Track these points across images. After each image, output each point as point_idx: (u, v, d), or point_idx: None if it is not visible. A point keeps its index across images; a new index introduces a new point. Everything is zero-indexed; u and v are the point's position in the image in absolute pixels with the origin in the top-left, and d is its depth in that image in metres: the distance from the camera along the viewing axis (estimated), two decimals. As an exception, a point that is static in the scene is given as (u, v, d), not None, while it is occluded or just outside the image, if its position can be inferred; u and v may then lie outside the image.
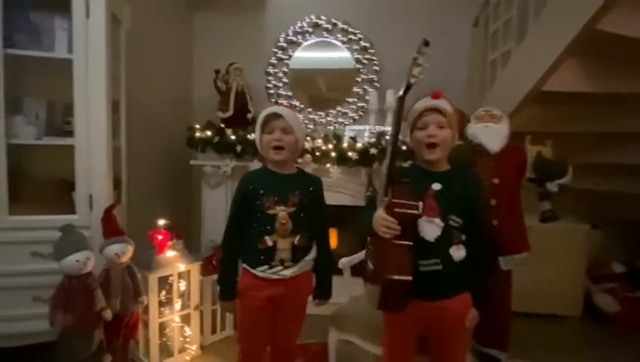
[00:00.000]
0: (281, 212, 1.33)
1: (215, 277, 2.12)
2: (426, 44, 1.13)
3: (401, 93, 1.17)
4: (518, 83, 2.21)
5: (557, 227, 2.36)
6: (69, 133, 1.89)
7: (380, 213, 1.15)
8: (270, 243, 1.33)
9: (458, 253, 1.20)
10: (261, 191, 1.34)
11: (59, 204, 1.89)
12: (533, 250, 1.92)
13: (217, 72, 2.87)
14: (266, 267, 1.34)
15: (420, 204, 1.15)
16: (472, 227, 1.22)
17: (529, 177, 1.91)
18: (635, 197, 2.54)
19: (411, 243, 1.14)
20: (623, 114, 2.26)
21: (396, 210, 1.12)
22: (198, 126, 2.78)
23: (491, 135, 1.88)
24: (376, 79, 3.11)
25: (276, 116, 1.35)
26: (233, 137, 2.72)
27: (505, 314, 1.94)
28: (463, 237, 1.22)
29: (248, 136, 2.73)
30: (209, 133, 2.74)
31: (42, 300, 1.73)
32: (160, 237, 1.97)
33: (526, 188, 1.96)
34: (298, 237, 1.35)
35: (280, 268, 1.34)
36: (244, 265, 1.40)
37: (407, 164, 1.42)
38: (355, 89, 3.15)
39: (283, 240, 1.33)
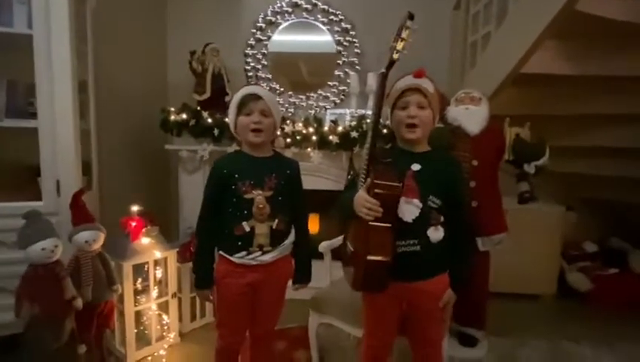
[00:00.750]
0: (258, 196, 1.30)
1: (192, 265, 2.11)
2: (411, 17, 1.09)
3: (383, 69, 1.14)
4: (497, 65, 2.21)
5: (533, 209, 2.42)
6: (33, 115, 1.78)
7: (362, 194, 1.13)
8: (247, 229, 1.30)
9: (436, 234, 1.20)
10: (236, 175, 1.31)
11: (23, 189, 1.80)
12: (510, 231, 1.96)
13: (193, 52, 2.77)
14: (244, 253, 1.32)
15: (401, 185, 1.14)
16: (451, 208, 1.22)
17: (507, 159, 1.92)
18: (607, 178, 2.61)
19: (391, 225, 1.13)
20: (600, 96, 2.29)
21: (377, 190, 1.11)
22: (172, 108, 2.69)
23: (471, 117, 1.89)
24: (357, 62, 3.07)
25: (255, 97, 1.31)
26: (210, 120, 2.65)
27: (482, 293, 1.98)
28: (442, 218, 1.22)
29: (226, 119, 2.64)
30: (184, 116, 2.66)
31: (7, 291, 1.65)
32: (133, 223, 1.92)
33: (503, 170, 1.98)
34: (276, 221, 1.33)
35: (259, 253, 1.32)
36: (221, 252, 1.37)
37: (387, 146, 1.40)
38: (336, 72, 3.10)
39: (261, 224, 1.31)
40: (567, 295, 2.68)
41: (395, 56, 1.11)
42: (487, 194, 1.87)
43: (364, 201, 1.12)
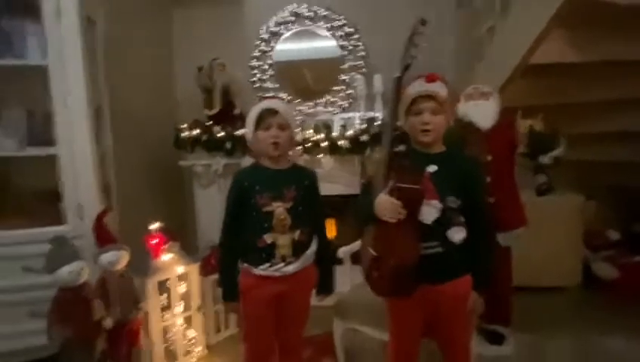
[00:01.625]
0: (279, 208, 1.31)
1: (215, 276, 2.13)
2: (423, 23, 1.11)
3: (398, 73, 1.16)
4: (505, 58, 2.20)
5: (552, 200, 2.38)
6: (51, 143, 1.83)
7: (385, 197, 1.14)
8: (269, 241, 1.31)
9: (458, 234, 1.19)
10: (256, 188, 1.33)
11: (46, 215, 1.84)
12: (530, 224, 1.93)
13: (200, 68, 2.81)
14: (267, 265, 1.33)
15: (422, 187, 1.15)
16: (471, 207, 1.21)
17: (522, 152, 1.90)
18: (625, 164, 2.56)
19: (416, 227, 1.13)
20: (609, 81, 2.26)
21: (401, 193, 1.12)
22: (184, 125, 2.73)
23: (482, 112, 1.88)
24: (362, 65, 3.07)
25: (272, 112, 1.33)
26: (222, 134, 2.68)
27: (506, 289, 1.96)
28: (462, 218, 1.21)
29: (237, 131, 2.68)
30: (196, 131, 2.69)
31: (39, 315, 1.69)
32: (155, 241, 1.95)
33: (519, 164, 1.96)
34: (298, 232, 1.34)
35: (282, 264, 1.33)
36: (245, 265, 1.38)
37: (401, 148, 1.40)
38: (342, 77, 3.10)
39: (283, 236, 1.32)
40: (593, 285, 2.62)
41: (410, 60, 1.12)
42: (503, 188, 1.86)
43: (388, 204, 1.12)
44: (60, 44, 1.77)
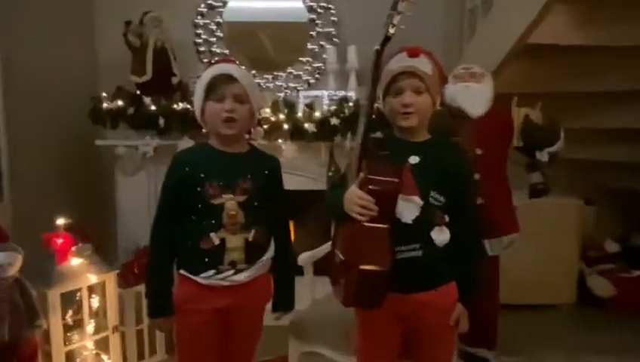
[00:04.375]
0: (229, 201, 1.30)
1: (138, 288, 2.09)
2: None
3: (377, 46, 1.17)
4: (501, 35, 2.30)
5: (547, 203, 2.51)
6: None
7: (355, 191, 1.16)
8: (217, 242, 1.30)
9: (441, 236, 1.23)
10: (202, 175, 1.31)
11: None
12: (522, 230, 2.03)
13: (128, 23, 2.72)
14: (212, 272, 1.31)
15: (398, 180, 1.18)
16: (457, 206, 1.26)
17: (516, 146, 2.00)
18: (630, 165, 2.75)
19: (389, 226, 1.16)
20: (620, 70, 2.40)
21: (372, 187, 1.14)
22: (104, 94, 2.64)
23: (472, 97, 1.94)
24: (334, 33, 3.10)
25: (228, 79, 1.31)
26: (153, 107, 2.62)
27: (492, 306, 2.05)
28: (446, 218, 1.26)
29: (174, 105, 2.64)
30: (120, 102, 2.61)
31: None
32: (60, 241, 1.89)
33: (511, 159, 2.06)
34: (253, 232, 1.33)
35: (231, 272, 1.32)
36: (182, 271, 1.36)
37: (377, 135, 1.43)
38: (310, 46, 3.12)
39: (233, 236, 1.31)
40: (588, 302, 2.81)
41: (392, 31, 1.15)
42: (494, 188, 1.93)
43: (356, 198, 1.14)
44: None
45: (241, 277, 1.34)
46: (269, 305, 1.49)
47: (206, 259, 1.31)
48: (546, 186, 2.03)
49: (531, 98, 2.06)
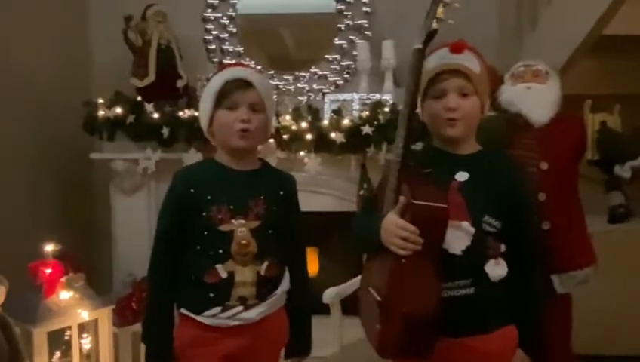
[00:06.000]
0: (241, 228, 1.32)
1: (136, 327, 2.11)
2: None
3: (419, 43, 1.17)
4: (569, 25, 2.27)
5: (630, 229, 2.43)
6: None
7: (394, 220, 1.15)
8: (224, 275, 1.31)
9: (496, 270, 1.22)
10: (208, 197, 1.33)
11: None
12: (600, 263, 1.98)
13: (128, 19, 2.81)
14: (218, 310, 1.32)
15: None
16: (515, 233, 1.25)
17: (590, 159, 1.96)
18: None
19: (436, 261, 1.15)
20: None
21: (416, 214, 1.13)
22: (101, 100, 2.72)
23: (535, 100, 1.92)
24: (366, 25, 3.13)
25: (243, 85, 1.34)
26: (156, 115, 2.68)
27: (563, 356, 1.99)
28: (503, 247, 1.24)
29: (180, 112, 2.69)
30: (119, 109, 2.68)
31: None
32: (48, 270, 1.94)
33: (584, 176, 2.02)
34: (266, 264, 1.34)
35: (240, 309, 1.33)
36: (183, 310, 1.38)
37: (417, 146, 1.43)
38: (338, 41, 3.15)
39: (243, 269, 1.32)
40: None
41: (435, 25, 1.15)
42: (563, 211, 1.90)
43: (397, 229, 1.13)
44: None
45: (252, 314, 1.34)
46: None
47: (211, 295, 1.32)
48: (629, 209, 1.98)
49: (608, 101, 2.03)
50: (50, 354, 1.91)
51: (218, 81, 1.36)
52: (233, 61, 3.07)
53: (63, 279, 1.97)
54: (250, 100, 1.34)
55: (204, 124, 1.40)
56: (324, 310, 1.88)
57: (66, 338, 1.97)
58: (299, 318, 1.47)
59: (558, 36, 2.35)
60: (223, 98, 1.34)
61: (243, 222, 1.32)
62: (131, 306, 2.22)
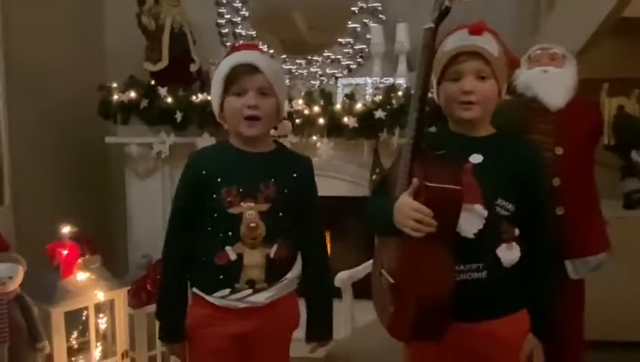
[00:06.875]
0: (249, 211, 1.32)
1: (151, 308, 2.14)
2: None
3: (431, 22, 1.15)
4: (588, 6, 2.23)
5: (647, 216, 2.41)
6: None
7: (408, 202, 1.14)
8: (233, 257, 1.32)
9: (510, 254, 1.21)
10: (218, 180, 1.33)
11: None
12: (614, 249, 1.96)
13: (142, 2, 2.81)
14: (227, 291, 1.34)
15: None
16: (528, 217, 1.24)
17: (607, 144, 1.93)
18: None
19: (450, 244, 1.15)
20: None
21: (430, 196, 1.12)
22: (115, 85, 2.73)
23: (552, 84, 1.90)
24: (380, 8, 3.09)
25: (250, 69, 1.33)
26: (170, 100, 2.68)
27: (576, 340, 1.98)
28: (516, 231, 1.23)
29: (193, 97, 2.69)
30: (133, 94, 2.69)
31: None
32: (65, 252, 1.96)
33: (600, 161, 1.99)
34: (275, 247, 1.35)
35: (248, 292, 1.34)
36: (195, 290, 1.39)
37: (432, 130, 1.42)
38: (351, 24, 3.12)
39: (252, 251, 1.33)
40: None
41: (448, 2, 1.13)
42: (578, 196, 1.88)
43: (411, 211, 1.13)
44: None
45: (261, 298, 1.35)
46: (298, 333, 1.49)
47: (220, 276, 1.33)
48: (645, 195, 1.95)
49: (626, 85, 1.98)
50: (68, 334, 1.94)
51: (225, 67, 1.35)
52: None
53: (79, 260, 1.99)
54: (258, 85, 1.33)
55: (215, 110, 1.40)
56: (336, 294, 1.89)
57: (83, 318, 2.00)
58: (320, 302, 1.48)
59: (576, 18, 2.31)
60: (231, 84, 1.34)
61: (252, 204, 1.33)
62: (146, 287, 2.24)
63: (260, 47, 3.06)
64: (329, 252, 2.90)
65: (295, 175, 1.42)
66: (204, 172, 1.35)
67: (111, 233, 3.10)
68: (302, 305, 1.49)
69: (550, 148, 1.85)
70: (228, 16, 3.17)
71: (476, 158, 1.23)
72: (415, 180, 1.16)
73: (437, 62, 1.25)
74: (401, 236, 1.16)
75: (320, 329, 1.49)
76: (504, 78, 1.27)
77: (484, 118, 1.28)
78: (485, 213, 1.19)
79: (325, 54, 3.15)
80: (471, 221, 1.18)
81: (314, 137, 2.68)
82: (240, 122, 1.34)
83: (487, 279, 1.21)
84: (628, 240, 2.30)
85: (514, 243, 1.22)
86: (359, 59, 3.12)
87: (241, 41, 3.14)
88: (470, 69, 1.22)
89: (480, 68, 1.22)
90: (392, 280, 1.21)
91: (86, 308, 1.98)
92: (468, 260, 1.20)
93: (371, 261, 1.43)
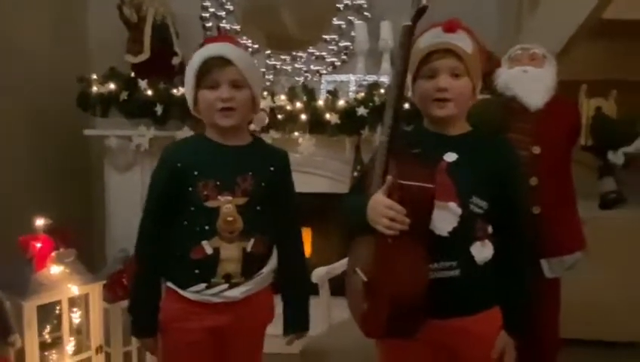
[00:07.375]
0: (226, 204, 1.31)
1: (126, 303, 2.12)
2: None
3: (409, 20, 1.15)
4: (568, 8, 2.24)
5: (622, 216, 2.41)
6: None
7: (381, 199, 1.14)
8: (209, 251, 1.32)
9: (482, 251, 1.22)
10: (195, 173, 1.33)
11: None
12: (590, 248, 1.98)
13: (124, -6, 2.78)
14: (202, 286, 1.33)
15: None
16: (504, 215, 1.24)
17: (584, 144, 1.95)
18: None
19: (423, 241, 1.15)
20: None
21: (403, 193, 1.12)
22: (94, 76, 2.71)
23: (531, 84, 1.91)
24: (365, 6, 3.10)
25: (222, 62, 1.32)
26: (150, 92, 2.66)
27: (551, 339, 2.00)
28: (490, 229, 1.24)
29: (174, 90, 2.68)
30: (112, 86, 2.67)
31: None
32: (38, 244, 1.94)
33: (577, 161, 2.01)
34: (252, 241, 1.35)
35: (224, 286, 1.34)
36: (169, 284, 1.39)
37: (408, 128, 1.42)
38: (336, 21, 3.12)
39: (229, 245, 1.32)
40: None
41: (425, 1, 1.12)
42: (555, 195, 1.90)
43: (384, 208, 1.13)
44: None
45: (236, 292, 1.35)
46: (272, 327, 1.49)
47: (196, 271, 1.33)
48: (621, 195, 1.98)
49: (604, 87, 2.01)
50: (40, 328, 1.92)
51: (197, 60, 1.34)
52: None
53: (53, 254, 1.98)
54: (230, 77, 1.32)
55: (190, 103, 1.39)
56: (314, 290, 1.89)
57: (57, 312, 1.98)
58: (296, 295, 1.48)
59: (556, 20, 2.33)
60: (203, 77, 1.33)
61: (229, 198, 1.32)
62: (122, 282, 2.22)
63: (244, 41, 3.08)
64: (311, 248, 2.96)
65: (272, 168, 1.41)
66: (179, 165, 1.34)
67: (88, 226, 3.08)
68: (276, 300, 1.49)
69: (528, 147, 1.87)
70: (212, 10, 3.15)
71: (450, 157, 1.23)
72: (389, 178, 1.16)
73: (412, 60, 1.25)
74: (375, 234, 1.16)
75: (297, 321, 1.49)
76: (478, 76, 1.27)
77: (459, 116, 1.28)
78: (459, 210, 1.20)
79: (310, 51, 3.15)
80: (445, 219, 1.19)
81: (296, 133, 2.69)
82: (215, 114, 1.33)
83: (461, 276, 1.21)
84: (603, 240, 2.32)
85: (487, 241, 1.23)
86: (343, 57, 3.14)
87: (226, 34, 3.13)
88: (444, 66, 1.22)
89: (454, 65, 1.22)
90: (365, 279, 1.21)
91: (59, 302, 1.96)
92: (442, 258, 1.20)
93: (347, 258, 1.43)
